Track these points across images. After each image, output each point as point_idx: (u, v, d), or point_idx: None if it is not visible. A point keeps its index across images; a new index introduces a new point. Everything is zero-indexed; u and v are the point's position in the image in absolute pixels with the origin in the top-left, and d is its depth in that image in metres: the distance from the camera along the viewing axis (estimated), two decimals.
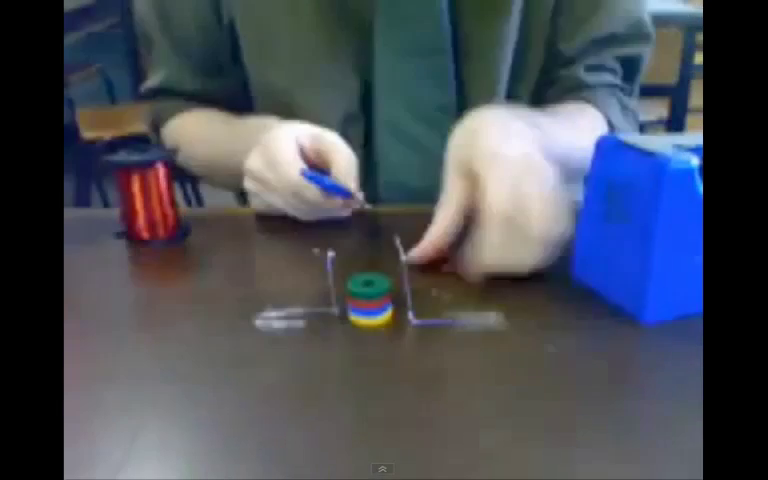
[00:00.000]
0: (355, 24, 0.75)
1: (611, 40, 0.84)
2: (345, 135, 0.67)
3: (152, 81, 0.87)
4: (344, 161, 0.64)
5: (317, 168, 0.65)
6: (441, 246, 0.57)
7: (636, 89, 0.90)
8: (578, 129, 0.79)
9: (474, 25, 0.77)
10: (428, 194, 0.62)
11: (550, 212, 0.56)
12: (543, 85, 0.84)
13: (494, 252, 0.55)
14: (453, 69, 0.77)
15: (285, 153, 0.64)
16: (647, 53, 0.87)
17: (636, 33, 0.85)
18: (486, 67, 0.78)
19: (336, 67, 0.74)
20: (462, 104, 0.77)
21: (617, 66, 0.87)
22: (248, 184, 0.67)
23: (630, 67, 0.88)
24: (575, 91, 0.85)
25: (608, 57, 0.85)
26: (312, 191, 0.63)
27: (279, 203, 0.66)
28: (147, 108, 0.88)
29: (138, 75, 2.24)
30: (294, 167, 0.63)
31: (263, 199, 0.67)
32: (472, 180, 0.56)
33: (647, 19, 0.85)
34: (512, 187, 0.54)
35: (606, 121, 0.84)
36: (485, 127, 0.59)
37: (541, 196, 0.55)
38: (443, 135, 0.61)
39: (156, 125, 0.88)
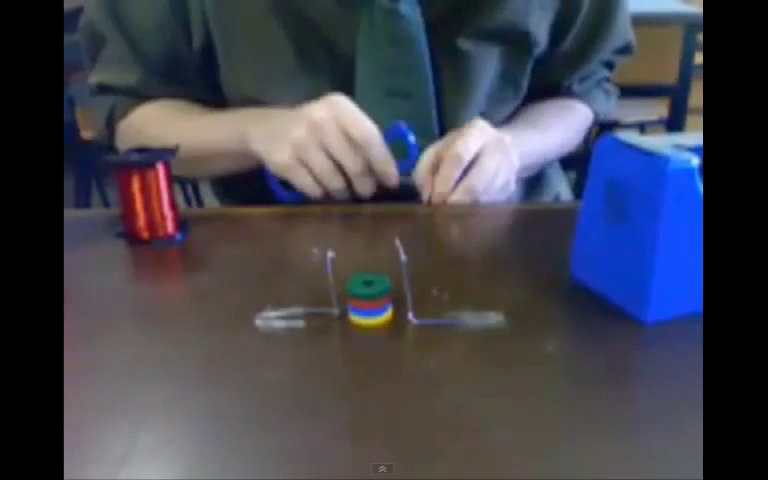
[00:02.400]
0: (336, 60, 0.75)
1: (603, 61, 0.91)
2: None
3: (104, 78, 0.82)
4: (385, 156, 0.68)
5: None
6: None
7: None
8: (554, 128, 0.84)
9: (449, 56, 0.76)
10: None
11: (502, 179, 0.69)
12: (529, 99, 0.86)
13: (444, 183, 0.67)
14: (435, 116, 0.77)
15: (359, 112, 0.67)
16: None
17: (624, 50, 0.91)
18: (464, 98, 0.78)
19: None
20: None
21: (602, 65, 0.92)
22: (299, 132, 0.66)
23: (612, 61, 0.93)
24: (564, 96, 0.90)
25: (597, 65, 0.91)
26: (379, 150, 0.67)
27: (320, 159, 0.66)
28: (101, 101, 0.84)
29: None
30: (369, 121, 0.67)
31: (305, 154, 0.66)
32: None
33: (632, 37, 0.91)
34: (480, 146, 0.68)
35: (592, 112, 0.91)
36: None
37: (497, 167, 0.68)
38: None
39: (111, 120, 0.84)
